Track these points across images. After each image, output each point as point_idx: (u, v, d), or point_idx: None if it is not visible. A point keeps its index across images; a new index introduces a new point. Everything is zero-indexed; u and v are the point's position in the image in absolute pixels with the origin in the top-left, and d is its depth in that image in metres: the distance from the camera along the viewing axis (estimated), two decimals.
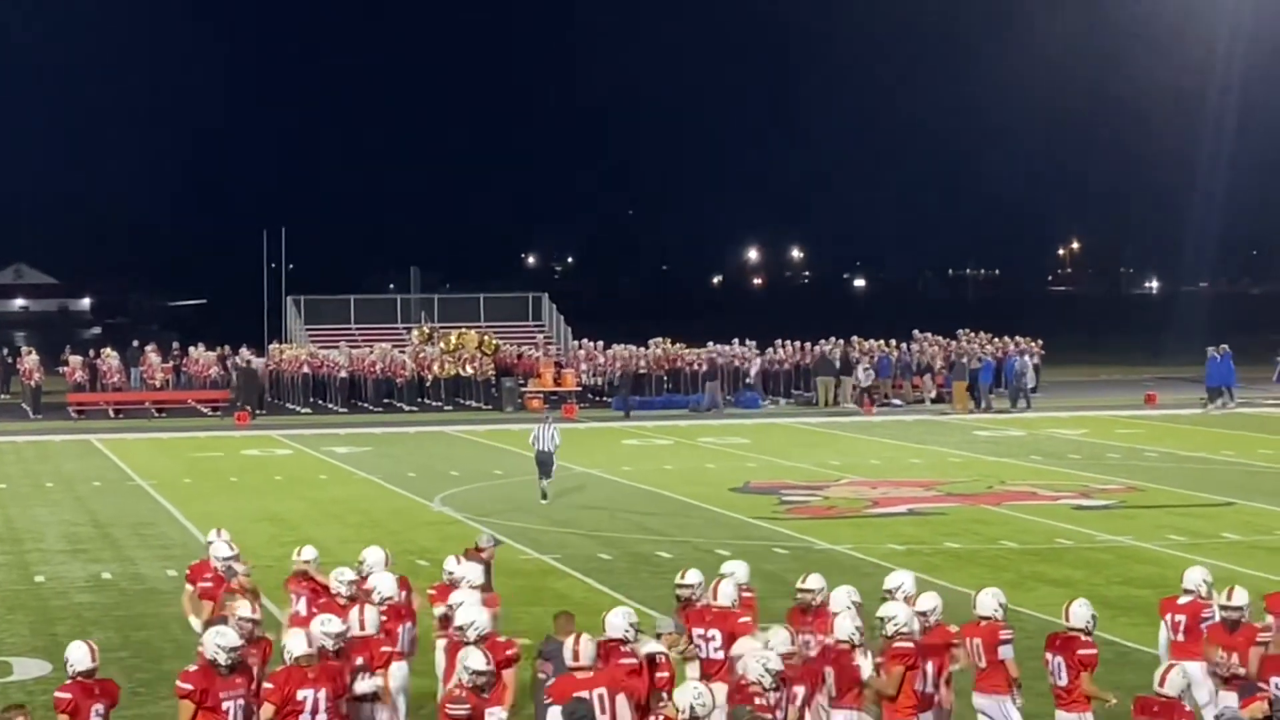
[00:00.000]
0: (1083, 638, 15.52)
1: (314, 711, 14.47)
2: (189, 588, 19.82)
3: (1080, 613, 15.64)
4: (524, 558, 29.63)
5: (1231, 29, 77.74)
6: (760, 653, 14.40)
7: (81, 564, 29.90)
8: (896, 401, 60.02)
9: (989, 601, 16.16)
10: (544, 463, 37.48)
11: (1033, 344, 64.27)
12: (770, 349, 63.72)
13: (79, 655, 14.36)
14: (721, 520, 34.26)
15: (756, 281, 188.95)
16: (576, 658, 14.46)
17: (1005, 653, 15.89)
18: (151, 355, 61.67)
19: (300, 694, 14.46)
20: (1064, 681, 15.47)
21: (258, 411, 57.93)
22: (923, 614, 15.79)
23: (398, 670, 16.50)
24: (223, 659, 14.45)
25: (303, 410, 59.54)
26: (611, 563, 28.26)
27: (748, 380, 61.30)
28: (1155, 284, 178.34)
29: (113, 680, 14.72)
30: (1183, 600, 17.08)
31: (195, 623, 18.79)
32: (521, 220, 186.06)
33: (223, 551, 19.24)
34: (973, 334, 64.90)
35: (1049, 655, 15.63)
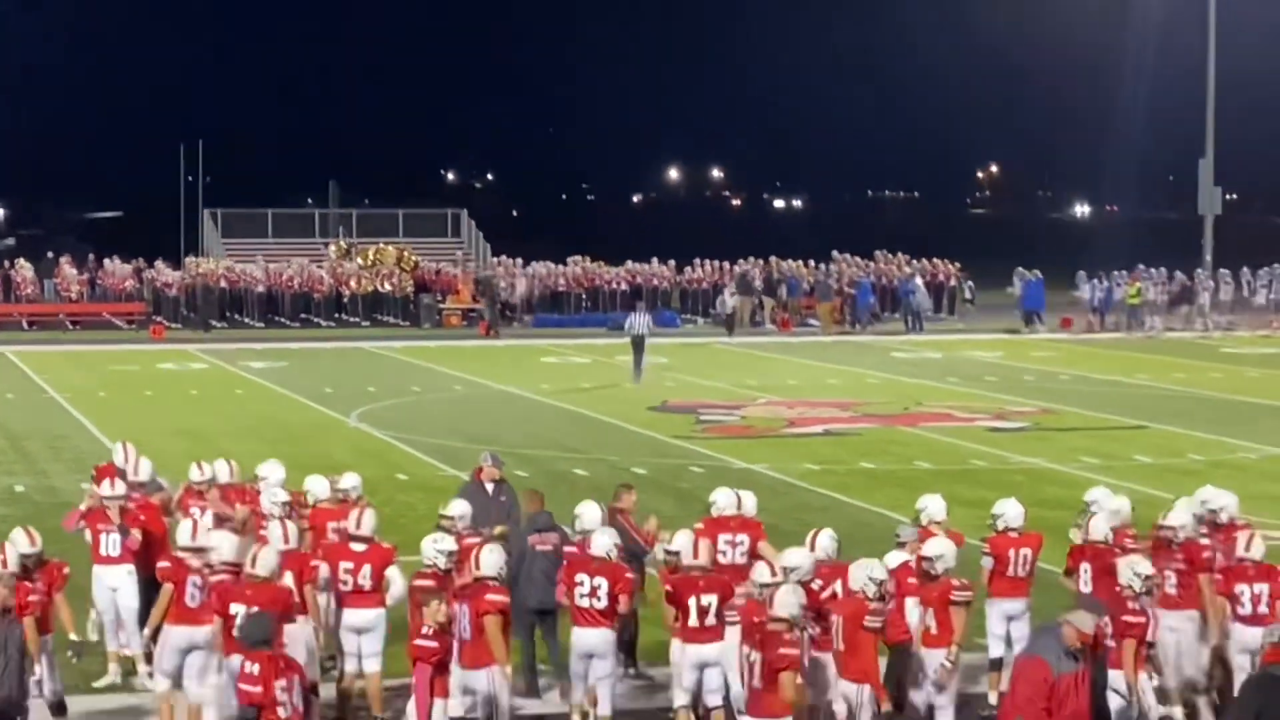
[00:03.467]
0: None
1: None
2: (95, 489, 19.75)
3: (1184, 517, 16.48)
4: (441, 474, 29.62)
5: None
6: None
7: None
8: (814, 322, 60.19)
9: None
10: (637, 347, 43.15)
11: (951, 266, 64.61)
12: (688, 268, 63.76)
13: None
14: (639, 439, 34.35)
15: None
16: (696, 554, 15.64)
17: None
18: (66, 267, 61.20)
19: (234, 608, 14.78)
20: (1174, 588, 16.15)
21: (216, 326, 57.60)
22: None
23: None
24: None
25: (219, 324, 59.20)
26: (529, 480, 28.21)
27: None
28: (1079, 209, 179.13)
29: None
30: None
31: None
32: (441, 136, 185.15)
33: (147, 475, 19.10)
34: (891, 256, 65.13)
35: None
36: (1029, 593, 16.83)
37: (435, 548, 15.50)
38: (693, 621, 15.56)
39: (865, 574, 14.43)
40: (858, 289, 60.14)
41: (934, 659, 15.07)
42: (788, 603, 13.86)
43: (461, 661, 14.75)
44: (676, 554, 15.80)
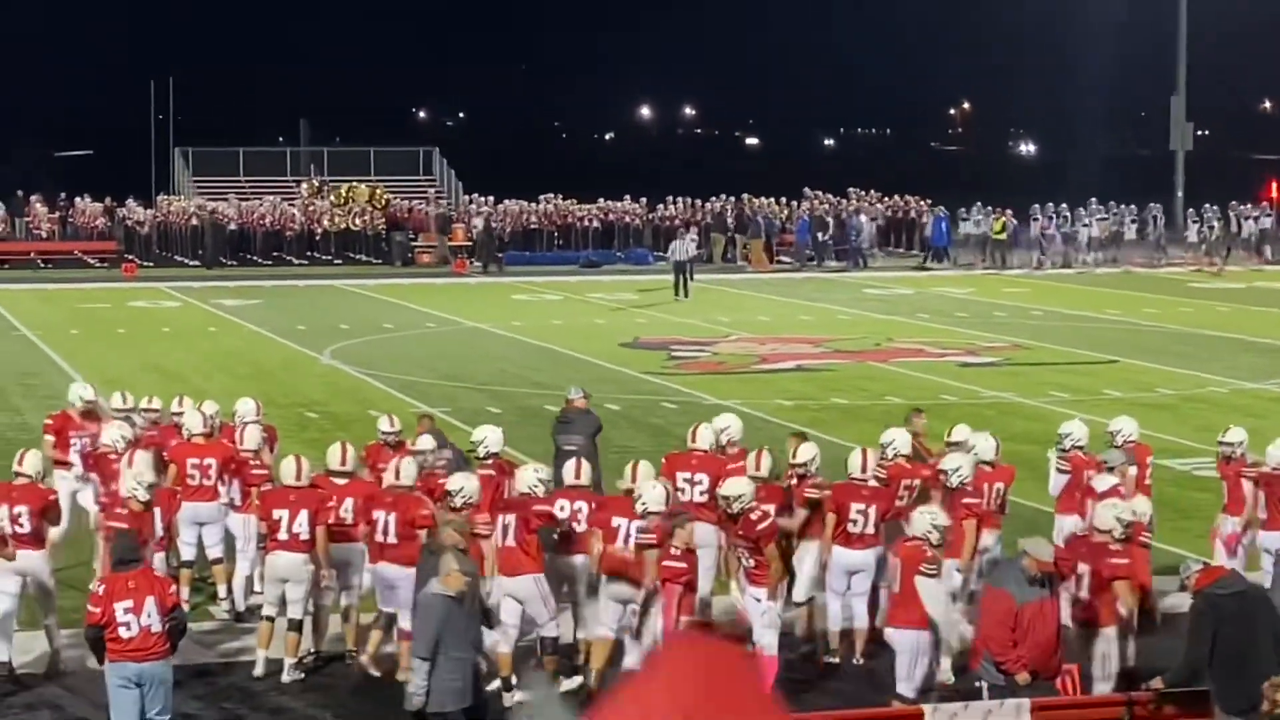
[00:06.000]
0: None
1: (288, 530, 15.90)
2: (49, 439, 19.64)
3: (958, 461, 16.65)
4: (413, 411, 29.55)
5: None
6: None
7: None
8: (787, 259, 60.22)
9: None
10: (680, 270, 47.97)
11: (923, 203, 64.65)
12: (660, 205, 63.70)
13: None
14: (611, 375, 34.40)
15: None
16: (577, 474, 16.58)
17: None
18: (37, 206, 61.02)
19: (277, 513, 15.93)
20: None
21: (227, 261, 57.61)
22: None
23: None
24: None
25: (191, 262, 59.09)
26: (501, 416, 28.31)
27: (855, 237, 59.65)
28: (1030, 147, 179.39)
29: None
30: None
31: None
32: (413, 75, 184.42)
33: (114, 402, 19.14)
34: (863, 192, 65.16)
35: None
36: (1000, 525, 16.90)
37: (537, 476, 15.87)
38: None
39: (929, 520, 14.49)
40: (795, 226, 60.29)
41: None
42: (1106, 518, 14.38)
43: (502, 570, 15.45)
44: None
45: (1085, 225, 58.83)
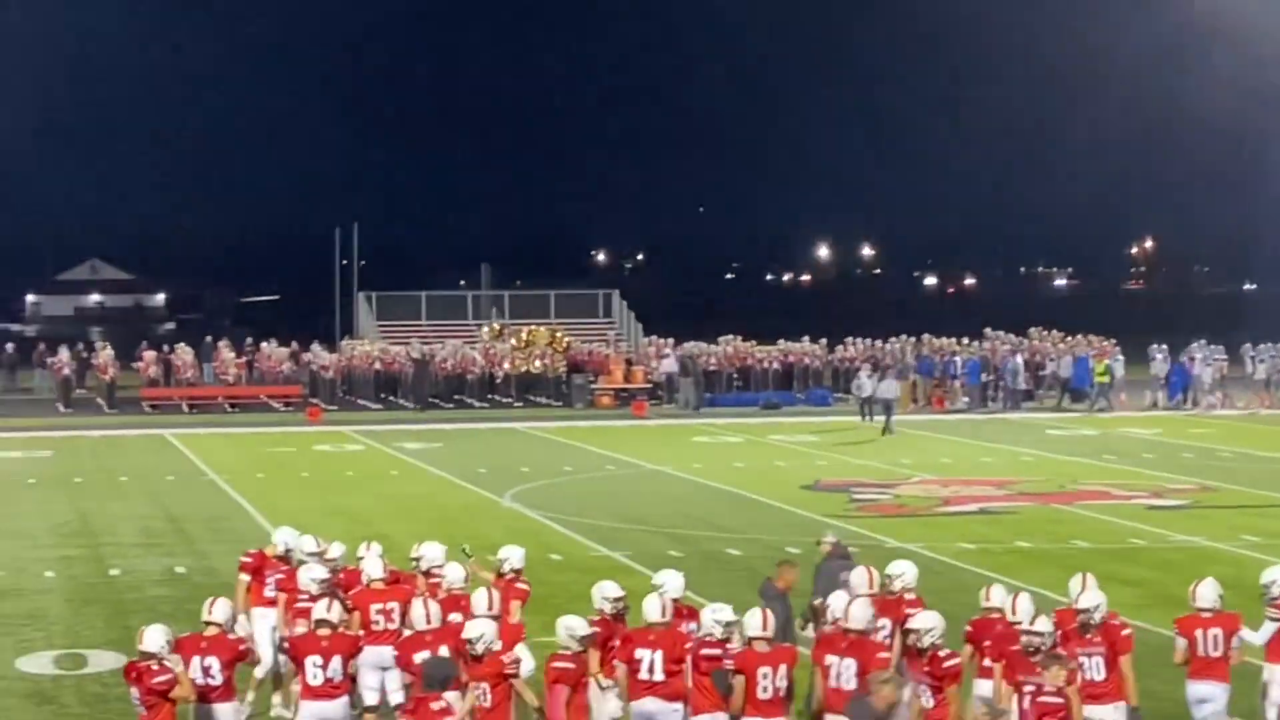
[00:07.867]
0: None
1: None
2: (244, 578, 19.81)
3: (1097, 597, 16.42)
4: (594, 554, 29.63)
5: None
6: None
7: (156, 558, 30.10)
8: (966, 400, 59.74)
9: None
10: (886, 408, 50.18)
11: (1107, 344, 63.86)
12: (840, 346, 63.57)
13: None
14: (792, 518, 34.21)
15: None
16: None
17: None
18: (224, 350, 61.96)
19: (418, 658, 16.02)
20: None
21: (440, 404, 58.62)
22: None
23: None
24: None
25: (374, 406, 59.72)
26: (682, 560, 28.17)
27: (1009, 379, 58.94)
28: (1244, 285, 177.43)
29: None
30: None
31: (242, 621, 17.89)
32: (592, 217, 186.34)
33: (308, 546, 19.37)
34: (1045, 332, 64.59)
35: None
36: (1226, 675, 16.60)
37: (714, 618, 15.87)
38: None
39: None
40: (966, 369, 59.72)
41: None
42: None
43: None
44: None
45: (1208, 365, 58.06)
